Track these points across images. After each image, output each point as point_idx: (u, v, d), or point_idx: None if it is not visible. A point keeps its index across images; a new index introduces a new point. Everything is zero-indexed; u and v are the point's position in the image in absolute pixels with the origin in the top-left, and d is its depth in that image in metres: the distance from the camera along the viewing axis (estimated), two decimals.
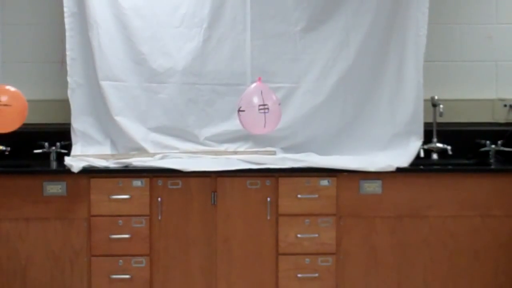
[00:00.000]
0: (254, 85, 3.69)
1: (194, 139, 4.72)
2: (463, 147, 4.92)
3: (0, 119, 3.11)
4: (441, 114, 4.86)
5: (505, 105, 5.10)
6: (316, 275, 4.46)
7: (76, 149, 4.65)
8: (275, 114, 3.76)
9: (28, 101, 4.93)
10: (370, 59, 4.72)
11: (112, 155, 4.61)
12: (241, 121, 3.77)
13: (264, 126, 3.64)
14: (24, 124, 4.89)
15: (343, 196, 4.45)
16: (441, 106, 4.85)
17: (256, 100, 3.74)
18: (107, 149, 4.69)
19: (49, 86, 4.95)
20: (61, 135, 4.76)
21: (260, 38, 4.70)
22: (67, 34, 4.67)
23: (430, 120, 4.88)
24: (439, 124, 4.94)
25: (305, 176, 4.44)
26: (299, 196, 4.43)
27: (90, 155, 4.58)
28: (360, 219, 4.47)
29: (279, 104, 3.99)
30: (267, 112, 3.71)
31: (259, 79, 3.73)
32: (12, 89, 3.28)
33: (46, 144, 4.76)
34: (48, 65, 4.96)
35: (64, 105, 4.71)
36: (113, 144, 4.72)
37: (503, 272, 4.52)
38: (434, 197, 4.48)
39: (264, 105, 3.67)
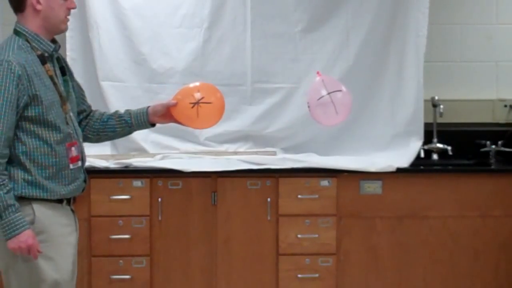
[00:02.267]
0: (317, 79, 3.63)
1: (194, 140, 4.72)
2: (463, 148, 4.92)
3: (203, 117, 3.13)
4: (441, 115, 4.86)
5: (506, 106, 5.09)
6: (316, 275, 4.45)
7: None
8: (344, 102, 3.67)
9: None
10: (370, 59, 4.72)
11: (113, 156, 4.60)
12: (313, 117, 3.72)
13: (337, 114, 3.58)
14: None
15: (343, 197, 4.45)
16: (441, 106, 4.85)
17: (322, 93, 3.67)
18: (107, 150, 4.68)
19: None
20: None
21: (260, 38, 4.70)
22: (67, 34, 4.64)
23: (430, 120, 4.88)
24: (439, 124, 4.94)
25: (305, 177, 4.43)
26: (299, 196, 4.43)
27: (90, 155, 4.57)
28: (360, 219, 4.47)
29: (345, 92, 3.87)
30: (332, 101, 3.64)
31: (318, 72, 3.69)
32: (207, 84, 3.28)
33: None
34: None
35: None
36: (113, 144, 4.71)
37: (503, 272, 4.52)
38: (434, 197, 4.48)
39: (326, 95, 3.60)
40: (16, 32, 3.04)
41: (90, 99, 4.67)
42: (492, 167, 4.75)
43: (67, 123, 3.04)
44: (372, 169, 4.43)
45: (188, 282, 4.44)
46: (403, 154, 4.62)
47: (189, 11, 4.67)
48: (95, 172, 4.38)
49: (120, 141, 4.68)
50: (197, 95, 3.15)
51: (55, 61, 3.12)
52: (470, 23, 5.13)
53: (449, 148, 4.89)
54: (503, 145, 4.89)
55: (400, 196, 4.47)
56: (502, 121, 5.10)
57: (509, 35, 5.14)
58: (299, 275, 4.45)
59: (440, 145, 4.92)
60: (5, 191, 2.86)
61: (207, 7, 4.66)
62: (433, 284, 4.51)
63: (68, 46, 4.66)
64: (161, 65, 4.67)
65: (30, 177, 2.94)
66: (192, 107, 3.14)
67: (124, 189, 4.38)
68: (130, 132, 3.31)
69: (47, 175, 2.97)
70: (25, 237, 2.88)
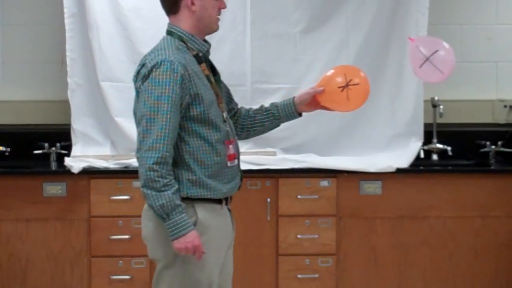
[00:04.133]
0: (411, 45, 3.58)
1: None
2: (463, 148, 4.92)
3: (353, 98, 3.13)
4: (441, 115, 4.86)
5: (505, 106, 5.09)
6: (316, 275, 4.46)
7: (76, 150, 4.65)
8: (446, 59, 3.62)
9: (28, 101, 4.95)
10: (370, 59, 4.72)
11: (112, 156, 4.60)
12: (424, 79, 3.69)
13: (442, 73, 3.55)
14: (24, 125, 4.92)
15: (343, 197, 4.45)
16: (441, 106, 4.85)
17: (422, 59, 3.61)
18: (107, 150, 4.68)
19: (49, 86, 4.95)
20: (61, 136, 4.76)
21: (260, 38, 4.70)
22: (67, 34, 4.66)
23: (430, 120, 4.88)
24: (439, 124, 4.94)
25: (305, 177, 4.44)
26: (299, 196, 4.43)
27: (90, 155, 4.58)
28: (360, 219, 4.47)
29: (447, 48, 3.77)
30: (434, 64, 3.59)
31: (410, 38, 3.63)
32: (348, 66, 3.27)
33: (46, 144, 4.75)
34: (48, 66, 4.96)
35: (64, 106, 4.71)
36: (113, 144, 4.71)
37: (503, 273, 4.53)
38: (434, 197, 4.48)
39: (427, 58, 3.56)
40: (170, 33, 3.01)
41: (90, 99, 4.72)
42: (492, 167, 4.75)
43: (224, 121, 3.04)
44: (372, 169, 4.43)
45: None
46: (402, 155, 4.62)
47: None
48: (95, 173, 4.39)
49: (120, 141, 4.68)
50: (341, 79, 3.13)
51: (207, 61, 3.12)
52: (470, 23, 5.13)
53: (449, 148, 4.89)
54: (503, 146, 4.89)
55: (400, 196, 4.47)
56: (502, 121, 5.10)
57: (509, 35, 5.13)
58: (299, 276, 4.45)
59: (440, 146, 4.92)
60: (172, 191, 2.85)
61: None
62: (433, 284, 4.51)
63: (68, 46, 4.66)
64: None
65: (194, 177, 2.92)
66: (342, 90, 3.13)
67: (124, 190, 4.38)
68: (278, 125, 3.28)
69: (209, 174, 2.95)
70: (192, 237, 2.85)
